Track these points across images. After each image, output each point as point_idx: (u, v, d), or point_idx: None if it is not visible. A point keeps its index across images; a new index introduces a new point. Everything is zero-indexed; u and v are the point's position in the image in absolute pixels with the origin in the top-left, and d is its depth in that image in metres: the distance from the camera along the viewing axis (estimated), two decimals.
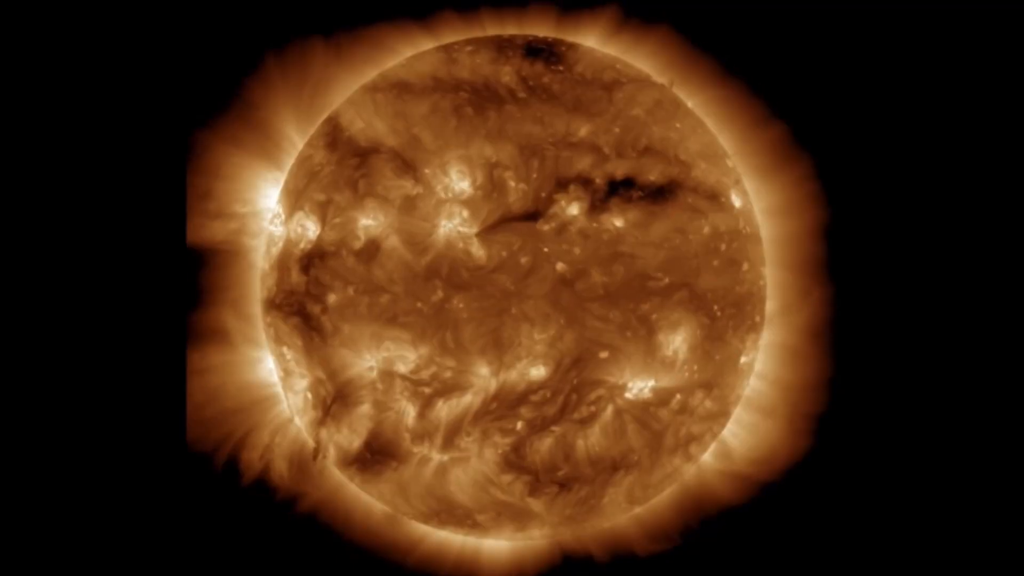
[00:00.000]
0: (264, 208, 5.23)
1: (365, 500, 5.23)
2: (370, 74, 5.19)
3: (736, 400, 5.16)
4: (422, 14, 5.27)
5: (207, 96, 5.21)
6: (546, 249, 4.44)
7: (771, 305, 5.20)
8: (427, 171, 4.53)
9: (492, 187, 4.46)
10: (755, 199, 5.20)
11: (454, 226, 4.49)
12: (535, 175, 4.48)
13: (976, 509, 5.29)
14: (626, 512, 5.17)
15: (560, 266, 4.44)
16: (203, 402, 5.15)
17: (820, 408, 5.26)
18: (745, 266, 4.90)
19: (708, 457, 5.27)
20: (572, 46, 5.03)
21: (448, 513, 4.90)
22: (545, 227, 4.45)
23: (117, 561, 4.95)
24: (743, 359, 5.03)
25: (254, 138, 5.23)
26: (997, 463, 5.27)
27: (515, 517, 4.88)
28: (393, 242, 4.48)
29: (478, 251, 4.44)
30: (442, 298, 4.42)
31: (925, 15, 5.25)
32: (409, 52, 5.23)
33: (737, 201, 4.99)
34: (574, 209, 4.47)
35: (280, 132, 5.24)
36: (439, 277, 4.43)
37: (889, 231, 5.34)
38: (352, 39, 5.24)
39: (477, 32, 5.28)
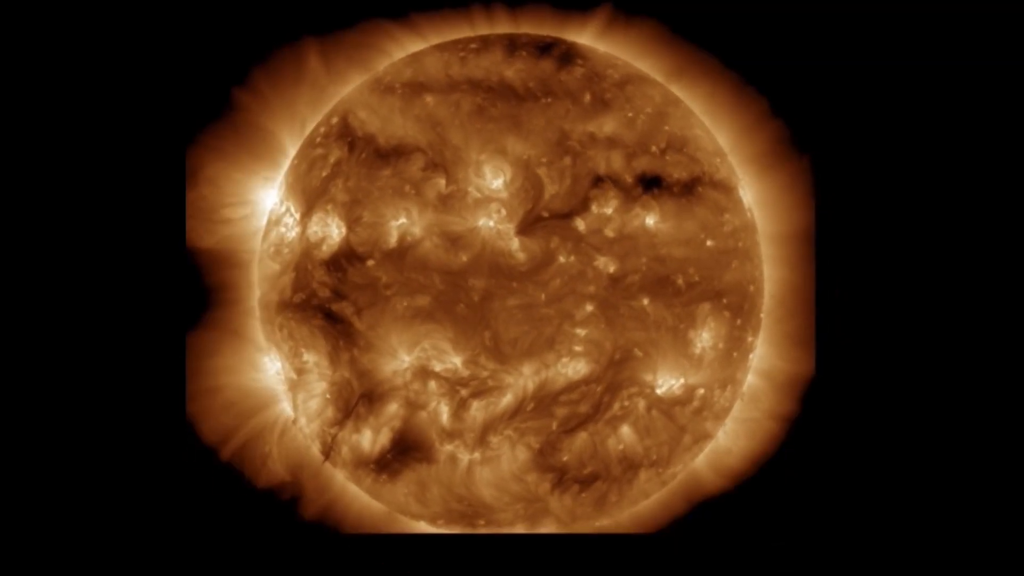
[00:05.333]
0: (265, 209, 5.15)
1: (368, 502, 5.18)
2: (368, 74, 5.13)
3: (739, 396, 5.25)
4: (414, 13, 5.23)
5: (203, 99, 5.12)
6: (585, 247, 4.46)
7: (767, 302, 5.30)
8: (458, 169, 4.49)
9: (528, 185, 4.45)
10: (752, 196, 5.30)
11: (493, 224, 4.46)
12: (568, 172, 4.49)
13: (974, 510, 5.39)
14: (632, 508, 5.21)
15: (599, 264, 4.46)
16: (204, 405, 5.05)
17: (813, 406, 5.35)
18: (755, 262, 4.99)
19: (704, 454, 5.35)
20: (574, 44, 5.05)
21: (460, 513, 4.88)
22: (582, 225, 4.46)
23: (117, 563, 4.90)
24: (751, 356, 5.13)
25: (251, 139, 5.15)
26: (995, 461, 5.38)
27: (531, 515, 4.88)
28: (429, 241, 4.43)
29: (517, 249, 4.42)
30: (481, 297, 4.39)
31: (924, 15, 5.36)
32: (400, 52, 5.19)
33: (745, 198, 5.09)
34: (609, 207, 4.50)
35: (277, 133, 5.16)
36: (477, 276, 4.39)
37: (884, 230, 5.44)
38: (348, 39, 5.19)
39: (468, 32, 5.25)
